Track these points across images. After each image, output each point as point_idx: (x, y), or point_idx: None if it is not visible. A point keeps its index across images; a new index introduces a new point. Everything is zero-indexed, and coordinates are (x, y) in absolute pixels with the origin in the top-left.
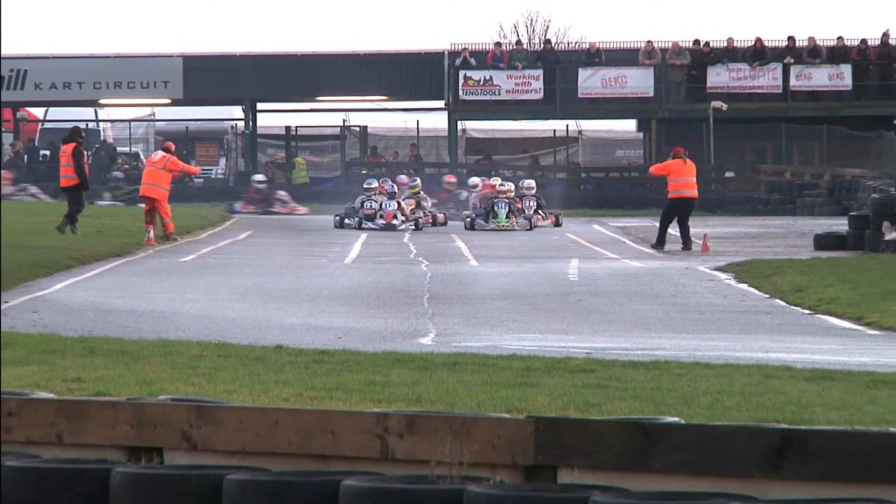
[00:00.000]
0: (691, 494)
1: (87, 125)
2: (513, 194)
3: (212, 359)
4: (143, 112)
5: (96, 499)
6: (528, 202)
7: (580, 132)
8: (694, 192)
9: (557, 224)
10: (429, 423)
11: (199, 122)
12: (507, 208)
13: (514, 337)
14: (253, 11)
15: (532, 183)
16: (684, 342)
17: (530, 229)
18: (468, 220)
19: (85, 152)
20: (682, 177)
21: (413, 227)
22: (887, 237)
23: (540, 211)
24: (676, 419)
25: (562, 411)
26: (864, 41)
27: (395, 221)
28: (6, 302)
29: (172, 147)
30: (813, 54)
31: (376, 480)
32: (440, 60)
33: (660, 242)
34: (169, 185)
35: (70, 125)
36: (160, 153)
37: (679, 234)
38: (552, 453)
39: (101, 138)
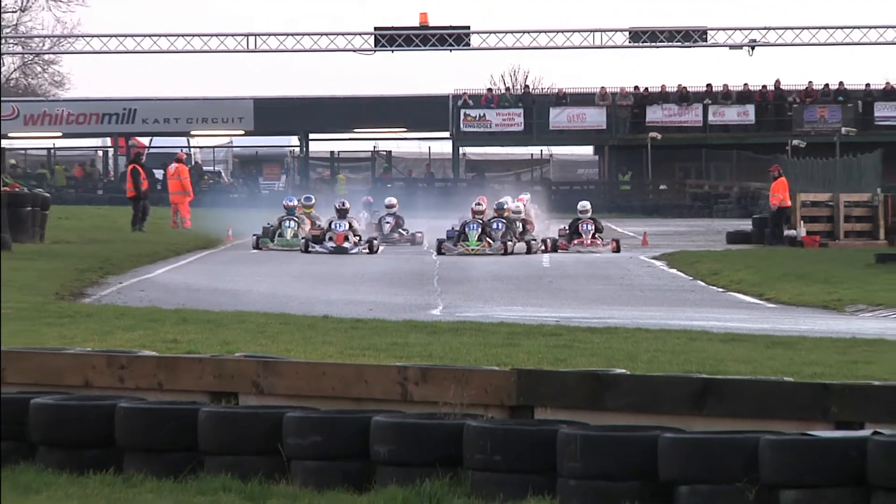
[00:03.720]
0: (634, 427)
1: (181, 150)
2: (507, 214)
3: (274, 325)
4: (223, 140)
5: (188, 431)
6: (584, 225)
7: (551, 155)
8: None
9: (617, 250)
10: (438, 374)
11: (265, 148)
12: (480, 230)
13: (502, 309)
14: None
15: (586, 205)
16: (629, 313)
17: (504, 253)
18: (437, 241)
19: (142, 171)
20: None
21: (367, 249)
22: (786, 234)
23: (598, 236)
24: (623, 371)
25: (537, 364)
26: (763, 87)
27: (346, 244)
28: (120, 283)
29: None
30: (725, 97)
31: (398, 417)
32: (446, 102)
33: None
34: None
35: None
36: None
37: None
38: (530, 397)
39: (192, 161)
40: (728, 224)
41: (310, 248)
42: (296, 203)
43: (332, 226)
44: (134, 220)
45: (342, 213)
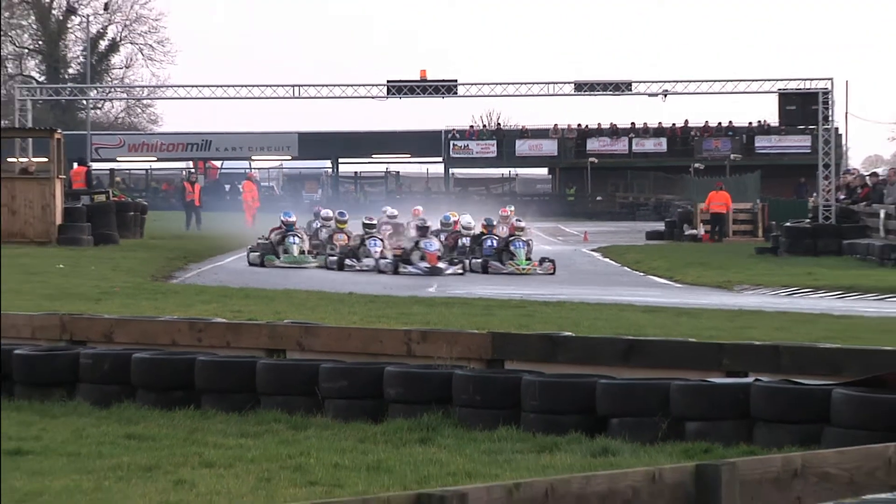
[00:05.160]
0: (578, 375)
1: (250, 170)
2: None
3: (313, 300)
4: (275, 163)
5: (249, 377)
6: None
7: (516, 175)
8: None
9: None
10: (433, 336)
11: (306, 169)
12: (527, 248)
13: (480, 288)
14: (335, 106)
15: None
16: (574, 291)
17: (553, 273)
18: (480, 262)
19: (188, 186)
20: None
21: (460, 270)
22: (686, 233)
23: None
24: (570, 333)
25: (507, 329)
26: (673, 124)
27: (440, 264)
28: (199, 268)
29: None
30: (645, 132)
31: (404, 367)
32: (439, 135)
33: None
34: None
35: (236, 171)
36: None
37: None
38: (502, 353)
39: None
40: (647, 225)
41: (400, 269)
42: (293, 218)
43: (422, 245)
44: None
45: (370, 226)
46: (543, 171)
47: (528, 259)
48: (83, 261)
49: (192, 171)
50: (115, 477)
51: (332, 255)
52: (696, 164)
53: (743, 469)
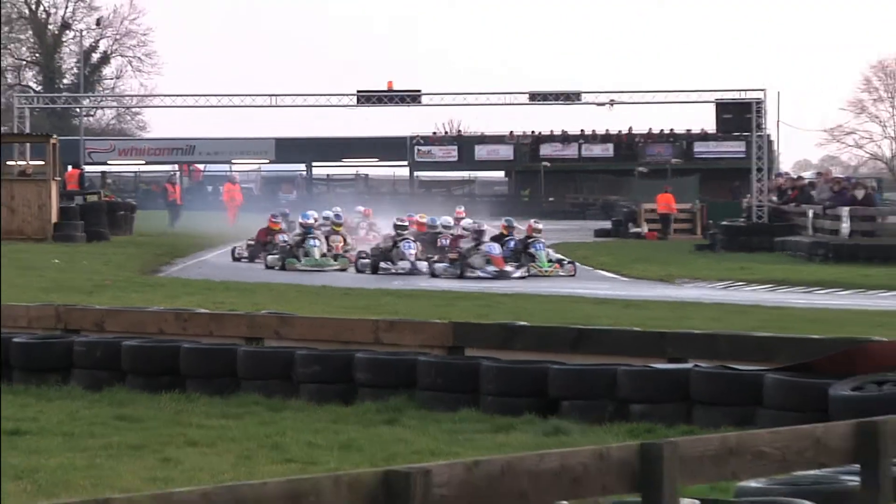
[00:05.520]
0: (532, 361)
1: (231, 173)
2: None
3: (290, 292)
4: (254, 166)
5: (230, 363)
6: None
7: (476, 178)
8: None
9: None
10: (400, 325)
11: (282, 172)
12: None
13: (442, 281)
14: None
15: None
16: (529, 284)
17: (574, 274)
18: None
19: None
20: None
21: (527, 273)
22: (631, 231)
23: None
24: (525, 323)
25: (467, 318)
26: (619, 131)
27: (507, 268)
28: (184, 263)
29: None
30: (593, 138)
31: (373, 354)
32: (405, 141)
33: None
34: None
35: (218, 173)
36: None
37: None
38: (462, 340)
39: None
40: (595, 224)
41: (466, 273)
42: (312, 220)
43: (486, 248)
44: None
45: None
46: (500, 174)
47: (551, 261)
48: (77, 256)
49: (174, 173)
50: (106, 455)
51: (364, 259)
52: (640, 168)
53: (683, 447)
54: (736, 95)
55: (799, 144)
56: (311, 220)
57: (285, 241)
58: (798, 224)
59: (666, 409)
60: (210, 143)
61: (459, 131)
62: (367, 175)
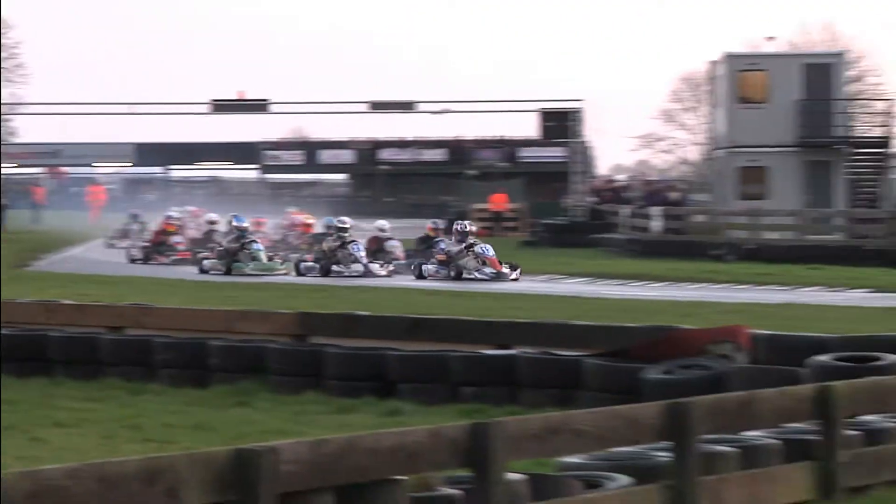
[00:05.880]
0: (371, 348)
1: (90, 175)
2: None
3: (153, 285)
4: (116, 169)
5: (94, 349)
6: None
7: (320, 181)
8: None
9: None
10: (251, 315)
11: (143, 174)
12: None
13: (291, 278)
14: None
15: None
16: (373, 280)
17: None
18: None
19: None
20: None
21: (519, 276)
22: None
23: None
24: (367, 313)
25: (312, 309)
26: (452, 138)
27: (504, 269)
28: (52, 258)
29: None
30: (428, 144)
31: (226, 342)
32: (255, 146)
33: None
34: None
35: (83, 176)
36: None
37: None
38: (307, 329)
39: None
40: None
41: (464, 275)
42: (246, 224)
43: (479, 249)
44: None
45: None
46: (343, 176)
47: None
48: None
49: (39, 175)
50: None
51: (305, 262)
52: (470, 171)
53: (510, 427)
54: (558, 105)
55: (614, 150)
56: (246, 224)
57: (221, 246)
58: (614, 222)
59: (494, 391)
60: (75, 147)
61: (305, 138)
62: (219, 178)
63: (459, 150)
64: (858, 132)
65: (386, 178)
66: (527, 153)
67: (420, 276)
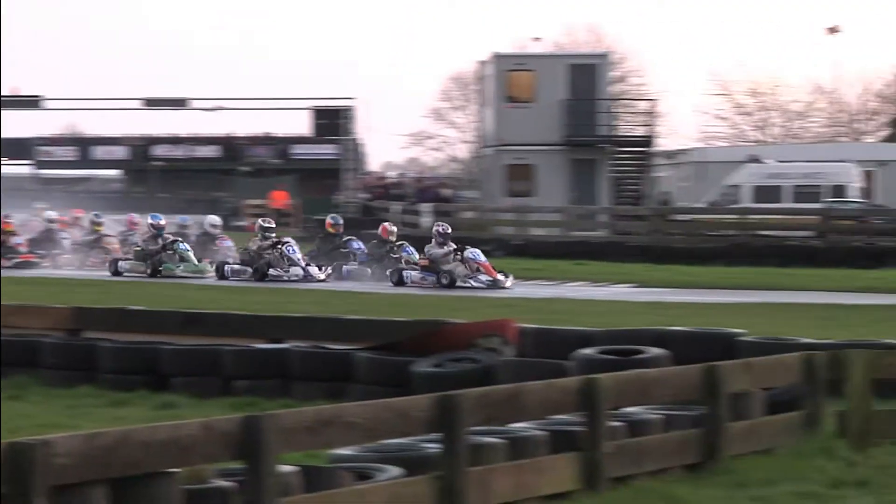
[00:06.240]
0: (145, 342)
1: None
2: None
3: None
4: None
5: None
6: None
7: (95, 176)
8: None
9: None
10: (26, 310)
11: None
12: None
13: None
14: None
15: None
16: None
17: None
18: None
19: None
20: None
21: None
22: (234, 224)
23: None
24: (141, 307)
25: (86, 304)
26: (226, 134)
27: (500, 276)
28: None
29: None
30: (201, 140)
31: (3, 337)
32: (30, 142)
33: None
34: None
35: None
36: None
37: None
38: (81, 323)
39: None
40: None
41: (458, 283)
42: (163, 222)
43: (470, 255)
44: None
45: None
46: (117, 172)
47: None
48: None
49: None
50: None
51: (229, 264)
52: (244, 168)
53: (282, 419)
54: (331, 103)
55: (385, 147)
56: (162, 222)
57: (139, 246)
58: (385, 219)
59: (267, 384)
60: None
61: (79, 134)
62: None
63: (232, 146)
64: (622, 131)
65: (160, 174)
66: (299, 150)
67: (399, 283)
